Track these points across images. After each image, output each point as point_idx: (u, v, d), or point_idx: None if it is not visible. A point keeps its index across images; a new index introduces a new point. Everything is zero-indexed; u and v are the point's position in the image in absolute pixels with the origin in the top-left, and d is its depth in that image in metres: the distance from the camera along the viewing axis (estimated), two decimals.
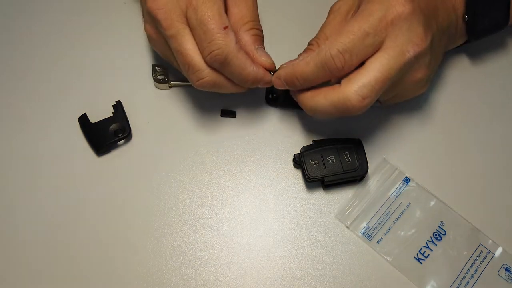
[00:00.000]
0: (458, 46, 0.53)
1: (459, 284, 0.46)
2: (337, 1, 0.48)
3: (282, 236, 0.48)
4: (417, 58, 0.43)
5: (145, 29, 0.47)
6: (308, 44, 0.48)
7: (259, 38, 0.46)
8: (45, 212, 0.49)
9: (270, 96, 0.52)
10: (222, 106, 0.53)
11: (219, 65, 0.43)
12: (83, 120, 0.51)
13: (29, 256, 0.47)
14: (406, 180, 0.50)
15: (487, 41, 0.54)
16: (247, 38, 0.45)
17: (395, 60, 0.42)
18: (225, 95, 0.53)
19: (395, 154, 0.51)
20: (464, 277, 0.47)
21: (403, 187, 0.50)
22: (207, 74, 0.43)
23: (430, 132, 0.52)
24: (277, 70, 0.46)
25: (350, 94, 0.42)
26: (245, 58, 0.43)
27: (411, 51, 0.42)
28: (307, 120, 0.52)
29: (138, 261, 0.47)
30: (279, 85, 0.46)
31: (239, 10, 0.45)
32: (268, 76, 0.46)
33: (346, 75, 0.43)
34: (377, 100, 0.46)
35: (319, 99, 0.44)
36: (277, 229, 0.49)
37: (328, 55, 0.42)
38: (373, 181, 0.50)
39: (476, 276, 0.47)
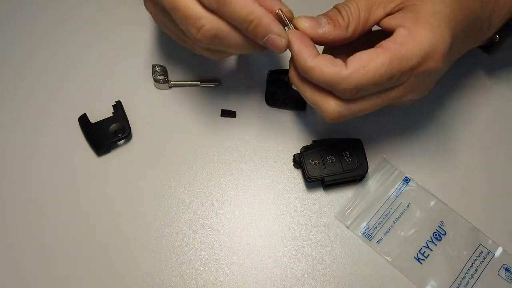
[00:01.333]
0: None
1: (459, 284, 0.46)
2: None
3: (282, 236, 0.48)
4: (410, 101, 0.42)
5: (146, 7, 0.44)
6: (338, 10, 0.42)
7: None
8: (45, 212, 0.49)
9: (270, 96, 0.52)
10: (222, 106, 0.53)
11: (216, 4, 0.38)
12: (83, 120, 0.51)
13: (29, 256, 0.47)
14: (406, 180, 0.50)
15: None
16: None
17: (392, 101, 0.41)
18: (226, 95, 0.53)
19: (395, 154, 0.51)
20: (464, 277, 0.47)
21: (403, 187, 0.50)
22: (206, 21, 0.39)
23: (430, 132, 0.52)
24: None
25: (331, 105, 0.40)
26: None
27: (409, 97, 0.41)
28: (307, 120, 0.52)
29: (138, 261, 0.47)
30: (279, 47, 0.40)
31: None
32: (279, 27, 0.39)
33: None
34: None
35: (305, 88, 0.41)
36: (277, 229, 0.49)
37: (343, 83, 0.38)
38: (373, 181, 0.50)
39: (476, 276, 0.47)
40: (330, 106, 0.40)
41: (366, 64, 0.38)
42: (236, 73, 0.54)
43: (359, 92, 0.39)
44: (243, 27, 0.39)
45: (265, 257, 0.47)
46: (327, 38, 0.41)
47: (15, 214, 0.49)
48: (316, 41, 0.41)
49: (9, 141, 0.52)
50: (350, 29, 0.41)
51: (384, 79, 0.38)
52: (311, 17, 0.41)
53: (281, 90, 0.52)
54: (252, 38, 0.40)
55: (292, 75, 0.42)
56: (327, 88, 0.40)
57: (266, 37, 0.39)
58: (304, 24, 0.40)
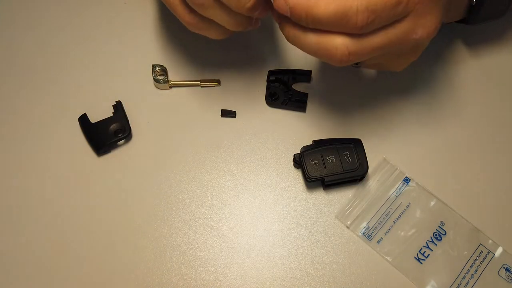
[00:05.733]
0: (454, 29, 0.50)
1: (459, 284, 0.46)
2: None
3: (282, 236, 0.48)
4: (419, 41, 0.40)
5: None
6: None
7: None
8: (45, 212, 0.49)
9: (270, 96, 0.52)
10: (222, 106, 0.53)
11: None
12: (83, 120, 0.51)
13: (29, 256, 0.47)
14: (406, 180, 0.50)
15: (488, 37, 0.54)
16: None
17: (401, 36, 0.39)
18: (226, 95, 0.53)
19: (395, 154, 0.51)
20: (464, 277, 0.47)
21: (403, 187, 0.50)
22: None
23: (430, 132, 0.52)
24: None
25: (339, 43, 0.39)
26: None
27: (418, 34, 0.40)
28: (307, 120, 0.52)
29: (138, 261, 0.47)
30: (281, 9, 0.39)
31: None
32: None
33: None
34: (359, 62, 0.44)
35: (309, 37, 0.40)
36: (277, 229, 0.49)
37: (354, 8, 0.37)
38: (373, 181, 0.50)
39: (476, 276, 0.47)
40: (337, 42, 0.38)
41: None
42: (236, 73, 0.54)
43: (370, 16, 0.37)
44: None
45: (265, 257, 0.47)
46: None
47: (15, 214, 0.49)
48: None
49: (9, 141, 0.52)
50: None
51: (393, 0, 0.37)
52: None
53: (281, 90, 0.52)
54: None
55: (290, 32, 0.41)
56: (336, 25, 0.38)
57: (248, 11, 0.39)
58: None
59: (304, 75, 0.53)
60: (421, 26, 0.40)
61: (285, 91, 0.52)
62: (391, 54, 0.43)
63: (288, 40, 0.42)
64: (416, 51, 0.43)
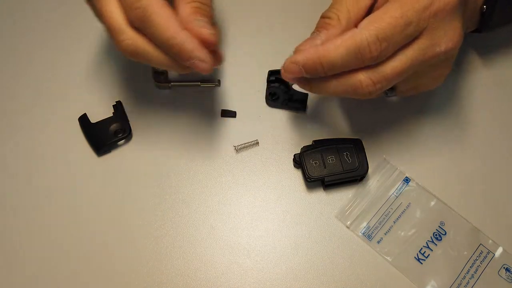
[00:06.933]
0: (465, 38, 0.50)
1: (459, 284, 0.46)
2: None
3: (282, 236, 0.48)
4: (446, 53, 0.40)
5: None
6: (324, 17, 0.42)
7: (201, 10, 0.40)
8: (45, 212, 0.49)
9: (270, 96, 0.52)
10: (222, 106, 0.53)
11: (139, 22, 0.38)
12: (83, 120, 0.51)
13: (29, 256, 0.47)
14: (406, 180, 0.50)
15: (496, 39, 0.54)
16: (187, 10, 0.39)
17: (423, 52, 0.39)
18: (226, 95, 0.53)
19: (395, 154, 0.51)
20: (464, 277, 0.47)
21: (403, 187, 0.50)
22: (127, 37, 0.39)
23: (430, 132, 0.52)
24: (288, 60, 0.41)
25: (362, 77, 0.39)
26: (169, 18, 0.38)
27: (442, 46, 0.40)
28: (307, 120, 0.52)
29: (138, 261, 0.47)
30: (294, 72, 0.40)
31: None
32: (203, 52, 0.38)
33: None
34: (393, 90, 0.45)
35: (333, 83, 0.40)
36: (277, 229, 0.48)
37: (365, 41, 0.38)
38: (373, 181, 0.50)
39: (476, 276, 0.47)
40: (361, 78, 0.39)
41: (379, 15, 0.38)
42: (236, 73, 0.54)
43: (383, 44, 0.38)
44: (165, 50, 0.39)
45: (265, 257, 0.47)
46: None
47: (15, 214, 0.49)
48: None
49: (9, 141, 0.52)
50: (343, 21, 0.40)
51: (401, 23, 0.38)
52: (304, 41, 0.41)
53: (281, 90, 0.52)
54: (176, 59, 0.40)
55: (313, 88, 0.42)
56: (352, 63, 0.39)
57: (190, 62, 0.39)
58: (301, 56, 0.40)
59: None
60: (443, 38, 0.40)
61: (285, 91, 0.52)
62: (421, 73, 0.42)
63: (314, 93, 0.42)
64: (447, 63, 0.43)
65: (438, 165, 0.51)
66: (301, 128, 0.52)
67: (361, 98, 0.41)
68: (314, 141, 0.50)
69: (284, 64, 0.41)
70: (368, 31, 0.38)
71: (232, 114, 0.53)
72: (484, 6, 0.46)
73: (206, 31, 0.39)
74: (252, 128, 0.52)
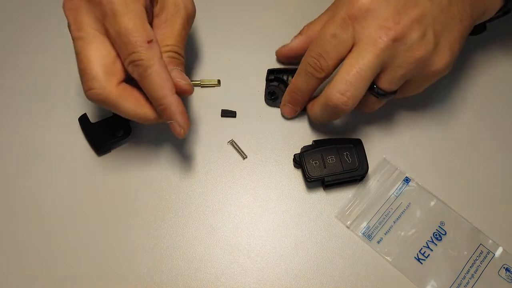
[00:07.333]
0: (498, 19, 0.50)
1: (459, 284, 0.46)
2: None
3: (282, 236, 0.48)
4: (396, 40, 0.42)
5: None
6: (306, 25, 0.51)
7: (176, 60, 0.45)
8: (45, 212, 0.49)
9: (270, 95, 0.52)
10: (222, 106, 0.53)
11: (137, 75, 0.41)
12: (84, 120, 0.51)
13: (29, 256, 0.47)
14: (406, 180, 0.50)
15: (498, 40, 0.54)
16: (166, 64, 0.42)
17: (368, 50, 0.42)
18: (226, 95, 0.53)
19: (395, 154, 0.51)
20: (465, 277, 0.47)
21: (403, 187, 0.50)
22: (99, 87, 0.40)
23: (430, 132, 0.52)
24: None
25: (329, 93, 0.44)
26: (167, 79, 0.41)
27: (383, 37, 0.42)
28: (307, 120, 0.52)
29: (138, 261, 0.47)
30: (290, 112, 0.51)
31: (161, 34, 0.44)
32: (183, 119, 0.42)
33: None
34: (391, 93, 0.45)
35: (314, 106, 0.48)
36: (277, 229, 0.48)
37: (306, 62, 0.46)
38: (373, 181, 0.50)
39: (476, 276, 0.47)
40: (329, 93, 0.44)
41: (314, 40, 0.46)
42: (236, 73, 0.54)
43: (320, 59, 0.45)
44: (154, 104, 0.42)
45: (265, 257, 0.47)
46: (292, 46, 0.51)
47: (15, 214, 0.49)
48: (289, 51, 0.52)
49: (9, 140, 0.52)
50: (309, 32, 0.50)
51: (326, 37, 0.44)
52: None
53: (280, 90, 0.52)
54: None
55: (307, 112, 0.51)
56: (312, 81, 0.47)
57: (169, 121, 0.43)
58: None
59: None
60: (378, 30, 0.42)
61: (285, 90, 0.52)
62: (414, 83, 0.46)
63: (312, 120, 0.51)
64: (434, 65, 0.44)
65: (438, 165, 0.51)
66: (301, 128, 0.52)
67: (344, 113, 0.45)
68: (314, 141, 0.50)
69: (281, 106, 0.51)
70: (306, 54, 0.46)
71: (232, 114, 0.53)
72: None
73: (184, 82, 0.43)
74: (252, 128, 0.52)
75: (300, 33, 0.51)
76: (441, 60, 0.44)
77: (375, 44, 0.42)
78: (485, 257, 0.47)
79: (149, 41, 0.40)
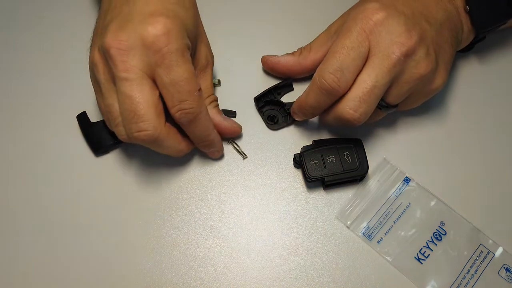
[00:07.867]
0: (475, 43, 0.53)
1: (460, 284, 0.46)
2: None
3: (282, 236, 0.48)
4: (407, 56, 0.43)
5: (92, 55, 0.44)
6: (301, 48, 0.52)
7: (217, 107, 0.50)
8: (44, 212, 0.49)
9: (269, 119, 0.52)
10: (222, 106, 0.53)
11: (187, 122, 0.43)
12: (83, 118, 0.51)
13: (28, 256, 0.47)
14: (407, 180, 0.50)
15: (495, 40, 0.54)
16: (212, 111, 0.48)
17: (381, 65, 0.43)
18: (226, 95, 0.53)
19: (395, 154, 0.51)
20: (465, 277, 0.47)
21: (403, 187, 0.50)
22: (152, 128, 0.41)
23: (430, 132, 0.52)
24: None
25: (342, 109, 0.44)
26: (210, 121, 0.46)
27: (396, 52, 0.43)
28: (307, 120, 0.52)
29: (138, 261, 0.47)
30: (299, 117, 0.50)
31: (203, 85, 0.48)
32: (221, 146, 0.49)
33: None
34: (394, 107, 0.47)
35: (328, 117, 0.47)
36: (277, 229, 0.48)
37: (322, 80, 0.44)
38: (373, 181, 0.50)
39: (476, 276, 0.47)
40: (341, 109, 0.45)
41: (326, 56, 0.45)
42: (236, 73, 0.54)
43: (337, 74, 0.44)
44: (199, 143, 0.47)
45: (265, 257, 0.47)
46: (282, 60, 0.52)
47: (13, 214, 0.49)
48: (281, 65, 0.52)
49: (7, 140, 0.51)
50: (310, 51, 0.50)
51: (344, 51, 0.43)
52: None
53: (276, 110, 0.52)
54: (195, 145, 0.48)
55: (320, 120, 0.52)
56: (326, 99, 0.46)
57: (209, 150, 0.48)
58: (293, 106, 0.50)
59: (286, 86, 0.53)
60: (391, 45, 0.43)
61: (279, 109, 0.52)
62: (413, 98, 0.48)
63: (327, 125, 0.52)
64: (433, 82, 0.46)
65: (438, 165, 0.51)
66: (301, 128, 0.52)
67: (354, 126, 0.45)
68: (314, 141, 0.50)
69: (292, 108, 0.50)
70: (321, 71, 0.44)
71: (232, 114, 0.53)
72: (467, 7, 0.48)
73: (235, 125, 0.50)
74: (252, 128, 0.52)
75: (292, 53, 0.52)
76: (440, 78, 0.46)
77: (389, 59, 0.43)
78: (485, 257, 0.47)
79: (199, 90, 0.42)
